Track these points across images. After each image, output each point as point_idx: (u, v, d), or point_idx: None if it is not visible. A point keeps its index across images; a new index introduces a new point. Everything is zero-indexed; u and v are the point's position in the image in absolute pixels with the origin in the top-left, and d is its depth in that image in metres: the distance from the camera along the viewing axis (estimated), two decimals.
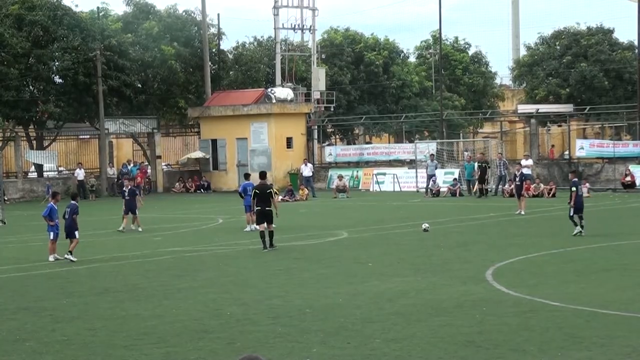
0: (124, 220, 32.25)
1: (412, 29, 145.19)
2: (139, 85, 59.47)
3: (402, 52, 74.20)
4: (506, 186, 46.12)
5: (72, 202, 25.08)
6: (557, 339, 13.59)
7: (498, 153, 50.97)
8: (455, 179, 49.31)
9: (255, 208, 25.79)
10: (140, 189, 35.77)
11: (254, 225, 27.81)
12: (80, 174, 54.22)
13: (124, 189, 33.77)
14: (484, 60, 77.64)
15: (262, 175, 27.00)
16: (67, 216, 24.37)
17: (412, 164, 54.26)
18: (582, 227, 26.91)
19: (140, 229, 32.00)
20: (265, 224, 25.41)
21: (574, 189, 27.14)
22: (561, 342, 13.35)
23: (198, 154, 60.26)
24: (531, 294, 17.25)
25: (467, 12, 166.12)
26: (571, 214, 27.18)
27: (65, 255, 23.93)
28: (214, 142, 59.29)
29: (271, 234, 25.39)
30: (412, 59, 77.30)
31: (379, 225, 31.98)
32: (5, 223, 36.70)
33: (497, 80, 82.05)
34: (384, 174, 54.21)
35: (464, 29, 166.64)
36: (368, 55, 69.05)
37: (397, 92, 69.85)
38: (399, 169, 54.79)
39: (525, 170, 40.65)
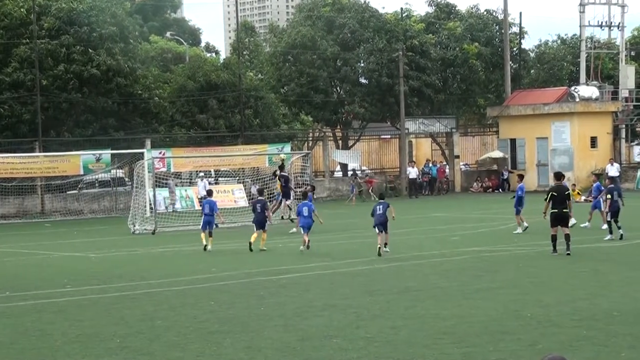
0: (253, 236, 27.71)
1: None
2: (439, 85, 59.88)
3: None
4: None
5: (382, 201, 25.99)
6: None
7: None
8: None
9: (551, 210, 24.44)
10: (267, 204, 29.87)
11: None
12: (412, 172, 55.68)
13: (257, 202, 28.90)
14: None
15: (558, 176, 25.67)
16: (380, 212, 25.19)
17: None
18: (610, 232, 27.40)
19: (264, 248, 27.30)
20: (560, 227, 24.24)
21: (608, 196, 27.75)
22: None
23: (497, 154, 59.78)
24: None
25: None
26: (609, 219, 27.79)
27: (384, 249, 25.05)
28: (513, 141, 58.57)
29: (567, 237, 24.10)
30: None
31: None
32: (322, 223, 37.98)
33: None
34: None
35: None
36: None
37: None
38: None
39: None
